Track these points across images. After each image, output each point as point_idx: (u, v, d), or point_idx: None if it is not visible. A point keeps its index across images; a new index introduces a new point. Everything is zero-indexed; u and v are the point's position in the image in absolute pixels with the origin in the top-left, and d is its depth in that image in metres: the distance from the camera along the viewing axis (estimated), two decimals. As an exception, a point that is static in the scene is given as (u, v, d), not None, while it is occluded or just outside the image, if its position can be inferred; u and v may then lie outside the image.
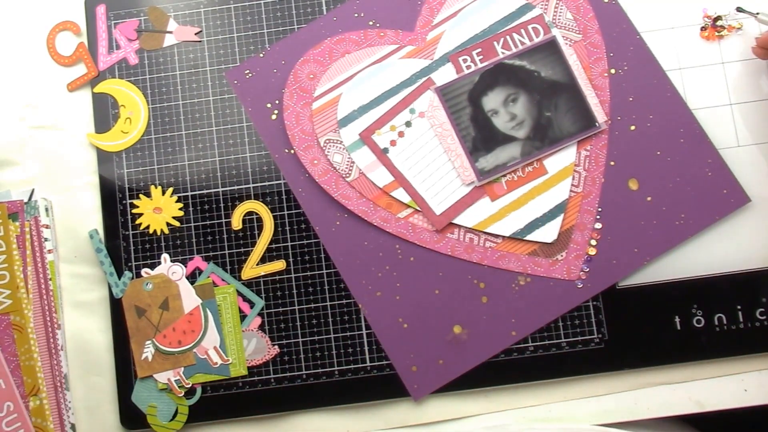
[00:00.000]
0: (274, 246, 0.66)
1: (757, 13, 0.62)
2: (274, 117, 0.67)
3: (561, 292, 0.64)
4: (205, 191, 0.67)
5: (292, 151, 0.66)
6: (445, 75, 0.66)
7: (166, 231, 0.66)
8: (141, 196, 0.66)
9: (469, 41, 0.66)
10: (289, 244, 0.66)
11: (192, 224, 0.66)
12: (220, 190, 0.67)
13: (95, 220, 0.67)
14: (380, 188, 0.65)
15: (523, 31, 0.66)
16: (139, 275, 0.65)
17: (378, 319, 0.65)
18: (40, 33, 0.69)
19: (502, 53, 0.66)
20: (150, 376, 0.64)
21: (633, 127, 0.66)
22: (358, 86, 0.66)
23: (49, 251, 0.66)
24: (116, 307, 0.65)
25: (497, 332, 0.64)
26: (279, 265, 0.66)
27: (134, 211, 0.66)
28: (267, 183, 0.66)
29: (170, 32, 0.68)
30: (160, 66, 0.68)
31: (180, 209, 0.66)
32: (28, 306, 0.64)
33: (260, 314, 0.65)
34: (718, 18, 0.67)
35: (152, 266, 0.66)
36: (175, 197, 0.66)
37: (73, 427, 0.65)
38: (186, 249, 0.66)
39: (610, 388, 0.64)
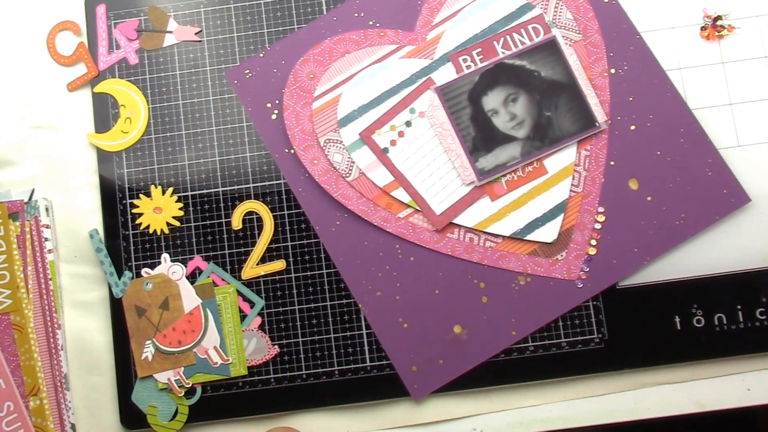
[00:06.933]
0: (274, 246, 0.66)
1: None
2: (274, 117, 0.67)
3: (561, 292, 0.64)
4: (205, 191, 0.67)
5: (292, 151, 0.66)
6: (445, 75, 0.66)
7: (166, 231, 0.66)
8: (141, 196, 0.66)
9: (469, 41, 0.66)
10: (289, 244, 0.66)
11: (192, 224, 0.66)
12: (220, 190, 0.67)
13: (95, 220, 0.67)
14: (380, 188, 0.65)
15: (523, 30, 0.66)
16: (139, 275, 0.65)
17: (378, 319, 0.64)
18: (40, 33, 0.69)
19: (502, 53, 0.66)
20: (150, 376, 0.64)
21: (633, 127, 0.66)
22: (358, 86, 0.66)
23: (49, 251, 0.66)
24: (116, 307, 0.65)
25: (497, 332, 0.64)
26: (279, 265, 0.65)
27: (134, 211, 0.66)
28: (267, 183, 0.66)
29: (170, 32, 0.68)
30: (160, 66, 0.68)
31: (180, 209, 0.66)
32: (28, 306, 0.64)
33: (260, 314, 0.65)
34: (718, 18, 0.67)
35: (152, 266, 0.66)
36: (175, 197, 0.66)
37: (73, 427, 0.65)
38: (186, 249, 0.66)
39: (610, 388, 0.64)
